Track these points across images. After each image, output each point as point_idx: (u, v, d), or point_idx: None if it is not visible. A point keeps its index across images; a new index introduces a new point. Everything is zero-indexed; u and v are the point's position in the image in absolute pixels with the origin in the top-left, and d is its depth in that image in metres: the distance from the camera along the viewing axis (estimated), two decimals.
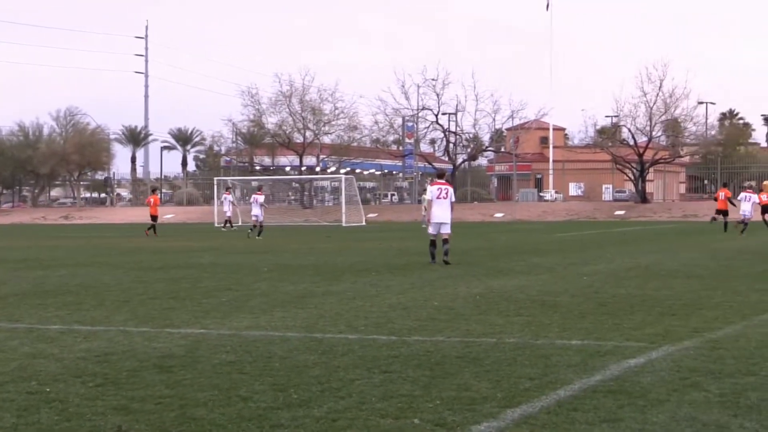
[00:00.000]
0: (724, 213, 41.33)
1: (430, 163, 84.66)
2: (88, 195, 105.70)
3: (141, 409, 7.05)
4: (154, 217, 43.13)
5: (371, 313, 12.55)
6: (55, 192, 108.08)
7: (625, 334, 10.42)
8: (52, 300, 14.45)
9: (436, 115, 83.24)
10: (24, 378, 8.22)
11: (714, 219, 41.79)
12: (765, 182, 42.03)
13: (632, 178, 79.07)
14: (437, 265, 20.91)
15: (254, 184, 65.93)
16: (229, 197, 52.40)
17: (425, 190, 32.37)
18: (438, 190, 21.77)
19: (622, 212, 70.10)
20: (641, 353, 9.19)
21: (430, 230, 21.76)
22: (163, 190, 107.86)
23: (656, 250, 26.76)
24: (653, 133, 77.00)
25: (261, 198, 41.23)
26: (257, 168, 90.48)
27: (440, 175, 24.02)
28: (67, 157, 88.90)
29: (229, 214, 50.95)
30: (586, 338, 10.21)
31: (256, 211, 39.92)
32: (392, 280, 17.33)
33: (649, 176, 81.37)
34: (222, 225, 51.46)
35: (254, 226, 39.99)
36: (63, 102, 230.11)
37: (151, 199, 44.85)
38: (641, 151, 75.91)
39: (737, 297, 14.07)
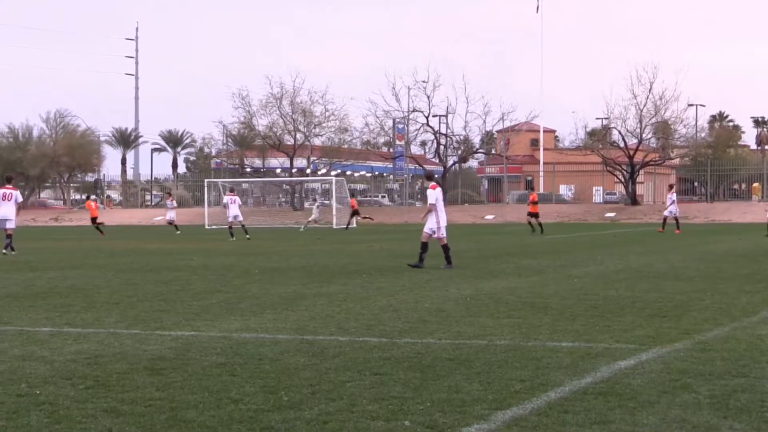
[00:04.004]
0: None
1: (420, 165, 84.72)
2: (78, 197, 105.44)
3: (131, 411, 7.03)
4: (93, 219, 47.45)
5: (362, 315, 12.54)
6: (45, 194, 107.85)
7: (615, 336, 10.43)
8: (42, 302, 14.40)
9: (427, 117, 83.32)
10: (14, 380, 8.19)
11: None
12: (755, 184, 42.12)
13: (623, 180, 79.22)
14: (425, 268, 20.59)
15: (244, 186, 66.02)
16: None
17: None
18: (441, 193, 21.46)
19: (612, 214, 70.21)
20: (632, 355, 9.21)
21: (443, 234, 20.99)
22: (154, 192, 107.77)
23: (646, 252, 26.80)
24: (643, 135, 77.18)
25: (238, 199, 41.98)
26: (248, 170, 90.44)
27: (434, 176, 23.79)
28: (57, 158, 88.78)
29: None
30: (576, 340, 10.22)
31: (236, 211, 40.43)
32: (383, 282, 17.32)
33: (640, 178, 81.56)
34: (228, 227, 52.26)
35: (241, 226, 40.50)
36: (53, 104, 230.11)
37: (92, 204, 49.70)
38: (631, 153, 76.07)
39: (726, 299, 14.11)
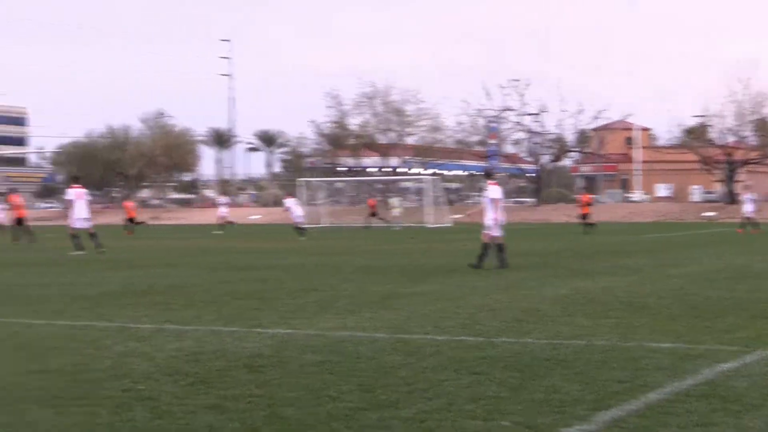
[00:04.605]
0: None
1: (514, 164, 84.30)
2: (176, 196, 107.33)
3: (232, 408, 7.12)
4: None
5: (458, 314, 12.52)
6: (143, 193, 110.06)
7: (717, 338, 10.23)
8: (142, 300, 14.68)
9: (520, 116, 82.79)
10: (118, 376, 8.37)
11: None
12: None
13: (722, 178, 77.66)
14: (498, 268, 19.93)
15: (338, 185, 66.14)
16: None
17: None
18: (501, 191, 21.08)
19: (711, 213, 68.87)
20: (734, 357, 9.02)
21: (499, 232, 20.50)
22: (249, 191, 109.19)
23: (746, 252, 26.25)
24: (742, 133, 75.58)
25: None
26: (341, 169, 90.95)
27: (493, 173, 23.22)
28: (155, 158, 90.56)
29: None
30: (676, 341, 10.05)
31: (299, 212, 41.30)
32: (478, 282, 17.26)
33: (741, 177, 79.85)
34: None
35: (297, 226, 41.47)
36: (150, 105, 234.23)
37: (129, 204, 51.76)
38: (730, 151, 74.56)
39: None
